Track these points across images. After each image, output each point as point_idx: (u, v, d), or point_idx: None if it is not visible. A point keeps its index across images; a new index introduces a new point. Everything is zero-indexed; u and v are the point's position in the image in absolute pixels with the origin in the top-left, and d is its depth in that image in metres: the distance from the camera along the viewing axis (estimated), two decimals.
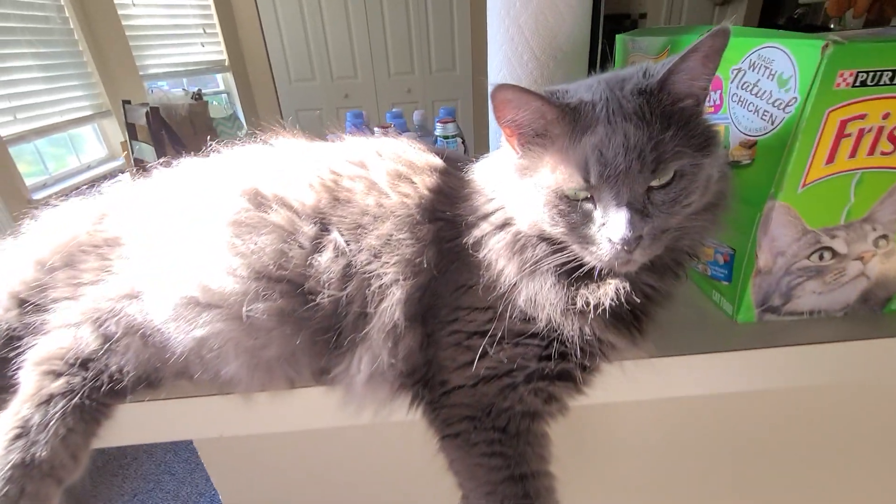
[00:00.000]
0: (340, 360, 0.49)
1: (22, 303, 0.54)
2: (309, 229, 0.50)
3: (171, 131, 2.56)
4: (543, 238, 0.46)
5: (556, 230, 0.44)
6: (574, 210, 0.42)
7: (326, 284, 0.47)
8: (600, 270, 0.45)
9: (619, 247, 0.40)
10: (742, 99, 0.53)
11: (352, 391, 0.49)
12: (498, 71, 0.72)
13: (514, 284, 0.46)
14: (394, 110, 1.36)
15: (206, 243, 0.50)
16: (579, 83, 0.47)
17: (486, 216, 0.49)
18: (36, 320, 0.52)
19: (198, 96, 3.14)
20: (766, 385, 0.57)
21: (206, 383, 0.51)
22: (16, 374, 0.50)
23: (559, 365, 0.47)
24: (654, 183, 0.41)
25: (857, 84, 0.44)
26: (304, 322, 0.47)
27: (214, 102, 3.46)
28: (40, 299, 0.53)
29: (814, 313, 0.58)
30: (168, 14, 3.14)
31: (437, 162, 0.56)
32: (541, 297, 0.46)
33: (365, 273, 0.48)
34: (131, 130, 2.61)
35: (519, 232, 0.47)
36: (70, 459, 0.46)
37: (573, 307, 0.45)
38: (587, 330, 0.46)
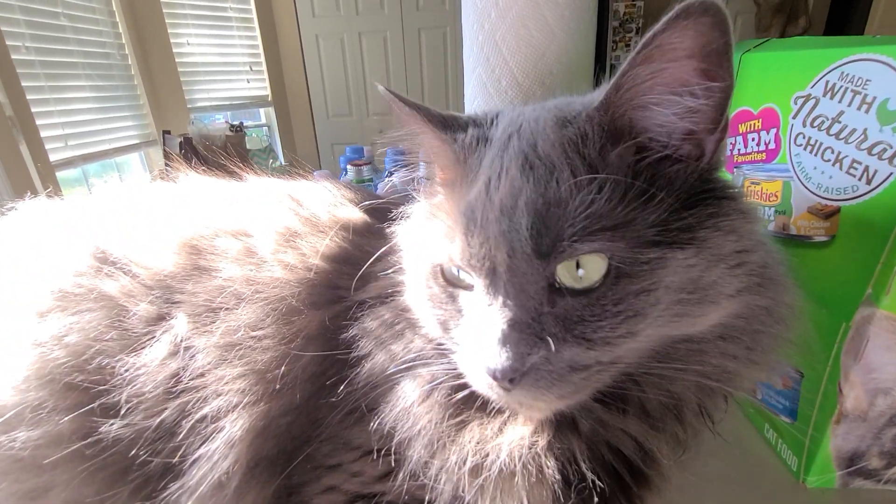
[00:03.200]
0: None
1: None
2: (144, 308, 0.34)
3: (202, 161, 2.60)
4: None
5: (425, 322, 0.30)
6: (448, 297, 0.28)
7: (133, 403, 0.31)
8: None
9: (488, 376, 0.24)
10: (813, 142, 0.34)
11: None
12: (472, 100, 0.56)
13: (381, 389, 0.30)
14: (399, 147, 1.22)
15: (10, 330, 0.35)
16: (520, 108, 0.31)
17: (375, 283, 0.34)
18: None
19: (237, 128, 3.23)
20: None
21: None
22: None
23: None
24: (565, 280, 0.24)
25: None
26: (94, 460, 0.31)
27: (253, 135, 3.56)
28: None
29: None
30: (218, 52, 3.29)
31: (353, 217, 0.40)
32: (409, 421, 0.29)
33: (192, 391, 0.32)
34: (168, 159, 2.69)
35: (405, 309, 0.31)
36: None
37: (461, 454, 0.27)
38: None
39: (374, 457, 0.31)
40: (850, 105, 0.31)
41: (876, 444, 0.35)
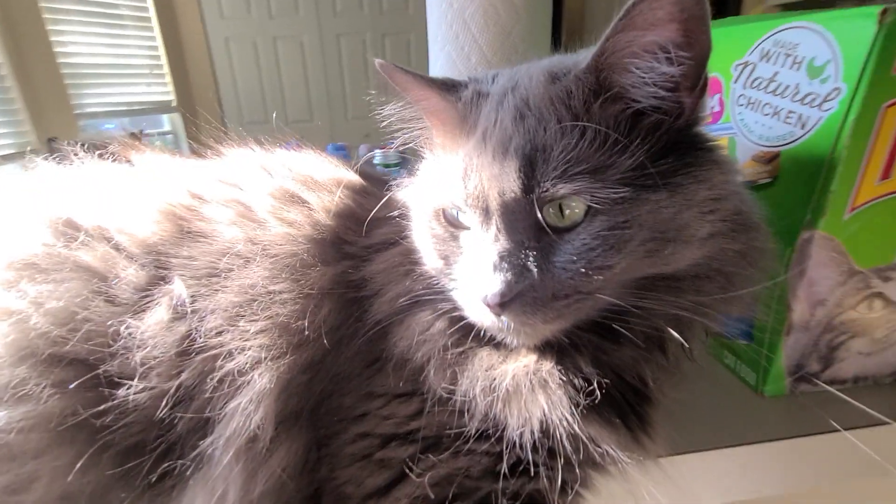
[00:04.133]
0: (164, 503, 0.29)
1: None
2: (133, 273, 0.32)
3: None
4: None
5: (429, 259, 0.33)
6: (450, 236, 0.31)
7: (145, 368, 0.29)
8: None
9: (489, 306, 0.27)
10: (753, 100, 0.41)
11: None
12: (441, 74, 0.57)
13: (391, 320, 0.32)
14: (338, 144, 1.21)
15: None
16: (517, 68, 0.34)
17: (383, 225, 0.36)
18: None
19: (137, 136, 2.94)
20: (815, 485, 0.41)
21: None
22: None
23: (526, 485, 0.30)
24: (549, 219, 0.27)
25: None
26: (99, 436, 0.28)
27: (157, 143, 3.25)
28: None
29: (859, 380, 0.44)
30: (111, 53, 2.99)
31: (349, 177, 0.40)
32: (418, 349, 0.31)
33: (212, 350, 0.30)
34: None
35: (410, 252, 0.34)
36: None
37: (462, 381, 0.30)
38: (558, 418, 0.28)
39: (402, 399, 0.31)
40: (783, 66, 0.38)
41: (815, 351, 0.42)
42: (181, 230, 0.35)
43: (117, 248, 0.34)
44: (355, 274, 0.34)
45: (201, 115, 3.45)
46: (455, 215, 0.30)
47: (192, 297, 0.32)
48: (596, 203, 0.26)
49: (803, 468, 0.40)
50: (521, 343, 0.29)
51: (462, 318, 0.30)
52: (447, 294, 0.31)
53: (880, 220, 0.36)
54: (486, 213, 0.28)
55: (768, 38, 0.39)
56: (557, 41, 0.58)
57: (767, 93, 0.39)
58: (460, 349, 0.30)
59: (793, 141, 0.38)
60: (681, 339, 0.31)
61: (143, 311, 0.31)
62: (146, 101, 3.19)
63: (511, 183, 0.26)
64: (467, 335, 0.31)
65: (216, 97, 3.38)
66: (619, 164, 0.26)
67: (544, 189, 0.26)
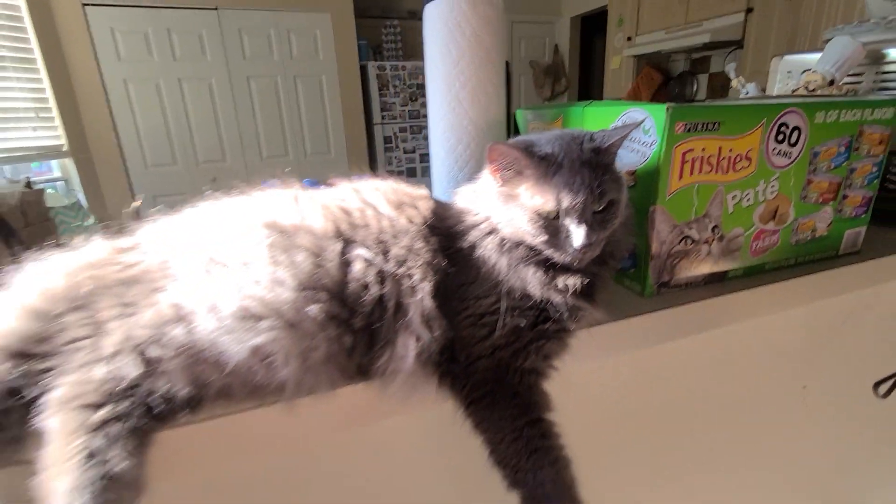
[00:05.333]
0: (383, 351, 0.57)
1: (17, 355, 0.50)
2: (336, 246, 0.59)
3: (4, 223, 2.20)
4: (521, 243, 0.64)
5: (536, 240, 0.61)
6: (550, 225, 0.62)
7: (366, 286, 0.57)
8: (561, 264, 0.64)
9: (577, 251, 0.60)
10: (624, 145, 0.80)
11: (400, 373, 0.57)
12: (443, 132, 0.91)
13: (508, 273, 0.62)
14: (314, 179, 1.44)
15: (250, 263, 0.55)
16: (541, 135, 0.68)
17: (475, 226, 0.66)
18: (37, 368, 0.49)
19: (27, 184, 2.78)
20: (673, 335, 0.80)
21: (248, 398, 0.54)
22: (20, 423, 0.47)
23: (552, 326, 0.63)
24: (597, 208, 0.62)
25: (686, 130, 0.73)
26: (346, 323, 0.55)
27: (50, 190, 3.07)
28: (44, 348, 0.50)
29: (689, 285, 0.85)
30: None
31: (426, 192, 0.71)
32: (530, 281, 0.62)
33: (396, 275, 0.59)
34: None
35: (504, 238, 0.65)
36: (141, 473, 0.45)
37: (556, 287, 0.62)
38: (568, 300, 0.63)
39: (483, 298, 0.62)
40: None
41: (665, 268, 0.81)
42: (349, 223, 0.62)
43: (316, 235, 0.60)
44: (446, 244, 0.65)
45: (98, 160, 3.29)
46: (555, 213, 0.61)
47: (373, 254, 0.60)
48: (615, 201, 0.62)
49: (667, 327, 0.79)
50: (582, 265, 0.63)
51: (550, 264, 0.63)
52: (541, 253, 0.63)
53: (682, 199, 0.77)
54: (581, 212, 0.60)
55: (625, 114, 0.79)
56: (508, 110, 0.95)
57: (629, 141, 0.79)
58: (550, 275, 0.63)
59: (641, 164, 0.77)
60: (616, 257, 0.69)
61: (349, 264, 0.58)
62: (32, 146, 2.98)
63: (594, 203, 0.60)
64: (551, 269, 0.63)
65: (115, 140, 3.27)
66: (614, 181, 0.63)
67: (604, 199, 0.61)
